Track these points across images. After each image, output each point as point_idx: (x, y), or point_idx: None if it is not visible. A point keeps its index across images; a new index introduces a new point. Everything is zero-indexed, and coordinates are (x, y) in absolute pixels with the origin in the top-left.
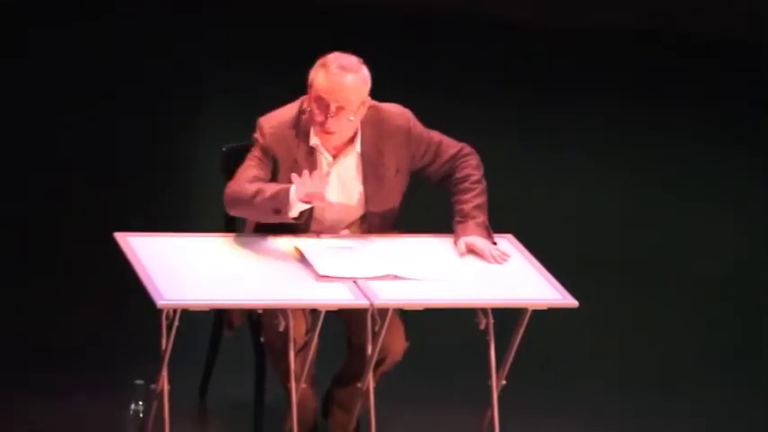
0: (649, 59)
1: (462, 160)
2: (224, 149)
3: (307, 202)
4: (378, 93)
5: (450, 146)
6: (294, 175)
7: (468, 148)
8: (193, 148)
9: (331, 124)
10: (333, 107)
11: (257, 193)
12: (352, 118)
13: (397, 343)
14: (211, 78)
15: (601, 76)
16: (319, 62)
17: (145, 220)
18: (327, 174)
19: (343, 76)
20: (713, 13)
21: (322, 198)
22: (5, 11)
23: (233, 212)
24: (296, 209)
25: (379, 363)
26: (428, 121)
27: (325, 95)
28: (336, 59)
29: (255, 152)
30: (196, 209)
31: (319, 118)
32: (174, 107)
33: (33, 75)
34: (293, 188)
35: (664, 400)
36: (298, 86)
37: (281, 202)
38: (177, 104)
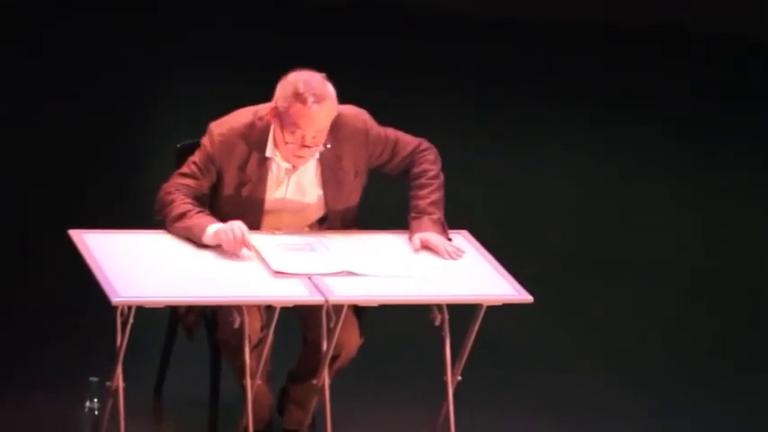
0: (633, 56)
1: (420, 155)
2: (178, 146)
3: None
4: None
5: (408, 142)
6: (218, 231)
7: (425, 143)
8: (148, 145)
9: (306, 152)
10: (309, 138)
11: (179, 217)
12: (329, 146)
13: (351, 339)
14: (167, 77)
15: (579, 71)
16: (291, 89)
17: (100, 218)
18: (248, 245)
19: (319, 108)
20: (697, 7)
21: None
22: None
23: (157, 218)
24: (207, 241)
25: (334, 359)
26: (395, 118)
27: (302, 127)
28: (308, 87)
29: (198, 158)
30: (150, 206)
31: (293, 145)
32: (128, 105)
33: None
34: (209, 230)
35: (625, 395)
36: (254, 85)
37: (193, 236)
38: (131, 102)
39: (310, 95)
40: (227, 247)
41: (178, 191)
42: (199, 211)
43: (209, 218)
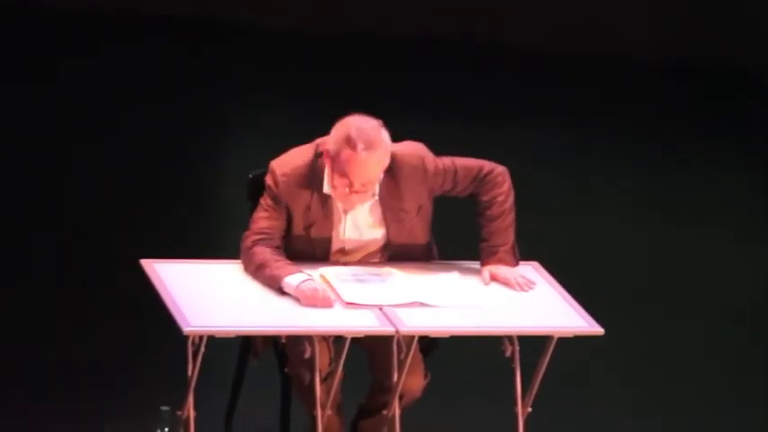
0: (677, 89)
1: (486, 181)
2: (250, 176)
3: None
4: (405, 121)
5: (470, 168)
6: (299, 289)
7: (488, 165)
8: (220, 174)
9: (355, 198)
10: (357, 185)
11: (260, 266)
12: (375, 195)
13: (416, 381)
14: (240, 105)
15: (627, 104)
16: (343, 133)
17: (171, 247)
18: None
19: (369, 156)
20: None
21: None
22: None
23: (244, 270)
24: (287, 290)
25: (399, 398)
26: (466, 150)
27: (349, 174)
28: (360, 134)
29: (268, 200)
30: (222, 235)
31: (342, 189)
32: (200, 133)
33: (57, 101)
34: (287, 281)
35: (693, 429)
36: (323, 116)
37: (274, 286)
38: (204, 131)
39: (361, 142)
40: (306, 304)
41: (257, 242)
42: (277, 260)
43: (287, 267)
